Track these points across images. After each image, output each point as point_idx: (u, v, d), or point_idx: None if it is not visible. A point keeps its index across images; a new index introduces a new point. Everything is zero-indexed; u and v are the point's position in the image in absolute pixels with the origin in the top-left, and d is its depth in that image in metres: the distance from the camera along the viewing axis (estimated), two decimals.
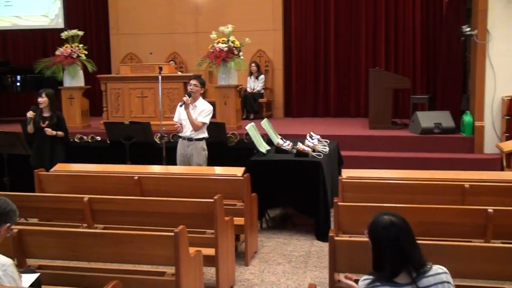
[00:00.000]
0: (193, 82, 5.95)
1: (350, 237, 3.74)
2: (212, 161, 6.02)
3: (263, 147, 6.21)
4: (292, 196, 5.86)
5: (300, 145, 5.96)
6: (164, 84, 7.55)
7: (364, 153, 7.76)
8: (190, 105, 5.88)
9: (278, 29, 10.84)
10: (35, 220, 4.81)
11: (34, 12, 11.90)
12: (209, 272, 4.45)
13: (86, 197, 4.19)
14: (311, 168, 5.73)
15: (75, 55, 8.80)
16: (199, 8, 11.08)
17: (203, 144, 6.01)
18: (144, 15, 11.21)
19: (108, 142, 7.25)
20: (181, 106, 5.91)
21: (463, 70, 8.64)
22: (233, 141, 6.99)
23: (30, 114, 6.17)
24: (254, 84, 10.35)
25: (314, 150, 6.00)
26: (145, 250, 3.35)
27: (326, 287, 3.79)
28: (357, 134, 8.42)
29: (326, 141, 6.56)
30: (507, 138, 7.40)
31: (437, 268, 2.42)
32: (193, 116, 5.88)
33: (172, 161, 6.20)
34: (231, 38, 8.28)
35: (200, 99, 6.03)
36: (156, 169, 5.70)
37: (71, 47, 8.84)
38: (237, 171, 5.07)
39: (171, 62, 10.45)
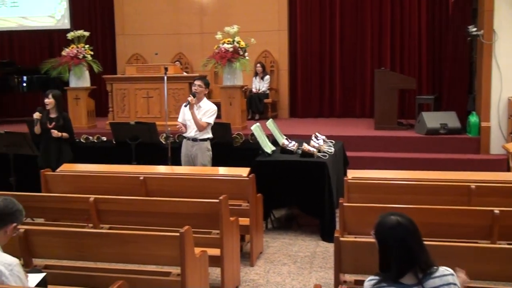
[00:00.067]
0: (197, 82, 5.96)
1: (355, 237, 3.73)
2: (217, 161, 6.02)
3: (268, 147, 6.21)
4: (297, 196, 5.86)
5: (305, 146, 5.96)
6: (170, 85, 7.57)
7: (370, 153, 7.75)
8: (195, 105, 5.89)
9: (283, 29, 10.84)
10: (41, 220, 4.82)
11: (40, 12, 11.95)
12: (214, 273, 4.45)
13: (92, 197, 4.20)
14: (316, 169, 5.72)
15: (81, 56, 8.84)
16: (205, 9, 11.10)
17: (208, 144, 6.02)
18: (150, 16, 11.24)
19: (114, 142, 7.27)
20: (185, 106, 5.92)
21: (469, 70, 8.61)
22: (238, 141, 7.00)
23: (36, 115, 6.20)
24: (260, 85, 10.35)
25: (319, 151, 5.99)
26: (151, 250, 3.36)
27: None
28: (363, 134, 8.41)
29: (332, 142, 6.56)
30: None
31: (443, 270, 2.40)
32: (198, 116, 5.89)
33: (177, 162, 6.20)
34: (237, 38, 8.28)
35: (205, 99, 6.03)
36: (162, 169, 5.70)
37: (77, 47, 8.88)
38: (243, 172, 5.07)
39: (177, 62, 10.47)
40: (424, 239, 2.48)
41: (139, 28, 11.28)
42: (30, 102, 11.29)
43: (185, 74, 9.50)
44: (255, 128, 6.19)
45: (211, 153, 6.02)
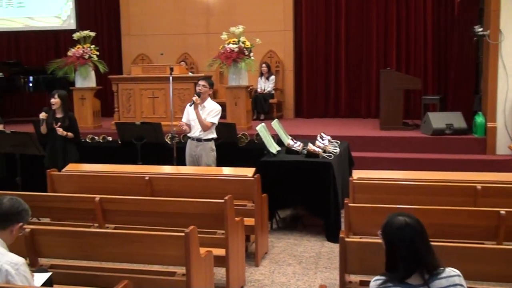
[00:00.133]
0: (201, 83, 5.97)
1: (360, 238, 3.73)
2: (222, 161, 6.02)
3: (273, 147, 6.21)
4: (302, 197, 5.85)
5: (310, 146, 5.95)
6: (175, 85, 7.58)
7: (375, 154, 7.73)
8: (199, 105, 5.89)
9: (288, 29, 10.83)
10: (47, 220, 4.83)
11: (47, 13, 11.99)
12: (219, 273, 4.45)
13: (97, 197, 4.22)
14: (321, 169, 5.71)
15: (87, 56, 8.87)
16: (210, 9, 11.11)
17: (212, 144, 6.02)
18: (155, 16, 11.25)
19: (119, 142, 7.28)
20: (190, 105, 5.93)
21: (475, 70, 8.57)
22: (243, 141, 7.00)
23: (42, 115, 6.22)
24: (265, 85, 10.35)
25: (324, 151, 5.98)
26: (156, 250, 3.36)
27: None
28: (368, 135, 8.39)
29: (337, 142, 6.54)
30: None
31: (450, 271, 2.40)
32: (202, 116, 5.89)
33: (182, 162, 6.21)
34: (242, 38, 8.29)
35: (209, 99, 6.04)
36: (167, 169, 5.71)
37: (83, 48, 8.91)
38: (248, 172, 5.07)
39: (182, 62, 10.48)
40: (429, 239, 2.47)
41: (145, 28, 11.30)
42: (36, 102, 11.34)
43: (190, 74, 9.51)
44: (261, 128, 6.19)
45: (215, 153, 6.03)
